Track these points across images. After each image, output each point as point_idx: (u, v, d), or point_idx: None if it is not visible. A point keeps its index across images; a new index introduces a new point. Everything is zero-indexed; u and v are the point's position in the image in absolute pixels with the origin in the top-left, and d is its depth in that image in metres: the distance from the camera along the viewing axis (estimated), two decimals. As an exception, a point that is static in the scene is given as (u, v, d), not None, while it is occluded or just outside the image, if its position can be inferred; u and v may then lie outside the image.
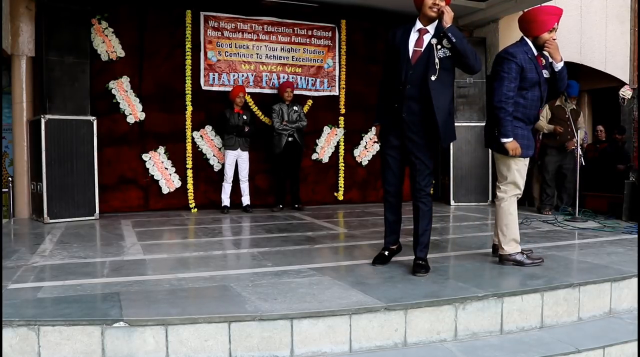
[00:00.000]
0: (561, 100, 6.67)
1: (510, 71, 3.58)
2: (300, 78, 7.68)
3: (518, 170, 3.73)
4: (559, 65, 3.68)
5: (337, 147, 7.91)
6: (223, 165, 7.02)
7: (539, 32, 3.64)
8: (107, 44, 6.61)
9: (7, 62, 6.37)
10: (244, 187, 7.02)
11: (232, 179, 6.94)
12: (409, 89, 3.45)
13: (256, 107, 7.42)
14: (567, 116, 6.53)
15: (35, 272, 3.57)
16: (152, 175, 6.91)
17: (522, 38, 3.74)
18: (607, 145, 8.29)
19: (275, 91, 7.43)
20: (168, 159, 6.98)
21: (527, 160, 3.79)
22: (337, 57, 7.87)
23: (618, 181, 6.63)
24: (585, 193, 6.94)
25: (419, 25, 3.50)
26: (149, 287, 3.17)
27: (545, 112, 6.68)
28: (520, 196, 3.84)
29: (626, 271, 3.61)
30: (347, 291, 3.09)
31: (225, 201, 6.95)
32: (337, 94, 7.89)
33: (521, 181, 3.76)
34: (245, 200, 7.03)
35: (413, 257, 3.62)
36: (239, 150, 6.87)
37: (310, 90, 7.73)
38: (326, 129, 7.84)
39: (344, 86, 7.88)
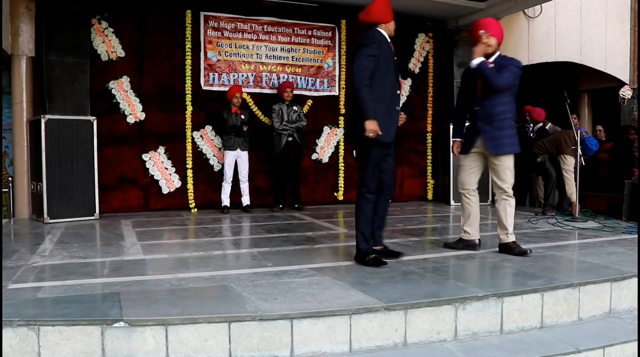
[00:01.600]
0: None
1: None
2: (300, 78, 7.68)
3: (460, 166, 4.39)
4: (472, 63, 4.11)
5: (337, 147, 7.91)
6: (223, 165, 7.02)
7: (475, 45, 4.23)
8: (107, 44, 6.61)
9: (7, 62, 6.37)
10: (244, 187, 7.02)
11: (231, 179, 6.94)
12: (398, 94, 3.84)
13: (256, 107, 7.42)
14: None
15: (35, 272, 3.57)
16: (152, 175, 6.91)
17: None
18: (618, 145, 8.16)
19: (275, 91, 7.43)
20: (168, 159, 6.98)
21: (465, 158, 4.29)
22: (337, 57, 7.87)
23: (619, 180, 6.62)
24: (585, 193, 6.94)
25: (386, 35, 3.84)
26: (149, 287, 3.17)
27: (570, 164, 6.66)
28: (463, 192, 4.32)
29: (626, 271, 3.61)
30: (347, 291, 3.09)
31: (225, 201, 6.95)
32: (337, 94, 7.90)
33: (460, 176, 4.35)
34: (245, 200, 7.03)
35: (412, 257, 3.63)
36: (238, 150, 6.87)
37: (310, 90, 7.73)
38: (326, 129, 7.84)
39: (344, 86, 7.87)
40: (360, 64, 3.58)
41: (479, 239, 4.37)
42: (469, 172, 4.31)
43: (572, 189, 6.54)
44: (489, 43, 4.11)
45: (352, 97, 3.75)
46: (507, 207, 4.18)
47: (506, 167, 4.14)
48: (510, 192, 4.18)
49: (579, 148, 6.33)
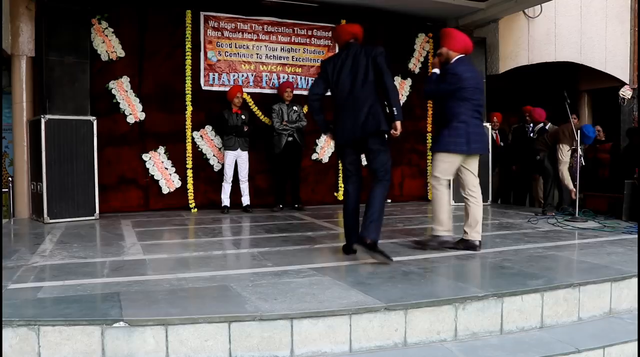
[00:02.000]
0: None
1: None
2: (300, 78, 7.68)
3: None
4: None
5: (337, 147, 7.90)
6: (223, 165, 7.02)
7: None
8: (107, 44, 6.61)
9: (7, 62, 6.37)
10: (244, 187, 7.02)
11: (231, 179, 6.93)
12: None
13: (256, 107, 7.41)
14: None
15: (35, 272, 3.57)
16: (152, 175, 6.91)
17: None
18: (628, 148, 8.10)
19: (275, 91, 7.43)
20: (168, 159, 6.98)
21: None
22: (337, 57, 7.86)
23: (619, 181, 6.62)
24: (585, 193, 6.93)
25: None
26: (149, 287, 3.17)
27: (566, 153, 6.66)
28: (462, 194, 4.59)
29: (626, 271, 3.61)
30: (347, 291, 3.09)
31: (225, 201, 6.94)
32: (337, 94, 7.88)
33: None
34: (245, 200, 7.02)
35: (412, 257, 3.63)
36: (238, 150, 6.87)
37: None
38: (326, 129, 7.82)
39: (344, 86, 7.86)
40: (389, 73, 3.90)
41: (479, 241, 4.37)
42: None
43: (566, 178, 6.51)
44: (440, 52, 4.42)
45: (371, 99, 3.90)
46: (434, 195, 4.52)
47: (437, 160, 4.45)
48: (435, 182, 4.48)
49: (579, 148, 6.32)
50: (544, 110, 7.72)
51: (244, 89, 7.21)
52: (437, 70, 4.43)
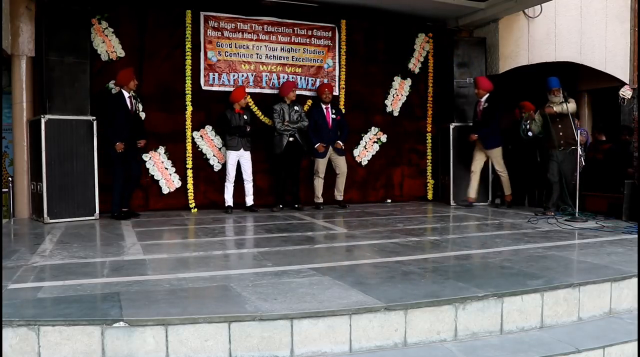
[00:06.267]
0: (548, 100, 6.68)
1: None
2: (300, 78, 7.67)
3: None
4: None
5: (337, 147, 7.90)
6: (223, 165, 7.01)
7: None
8: (107, 44, 6.61)
9: (7, 62, 6.36)
10: (248, 187, 7.00)
11: (234, 179, 6.93)
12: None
13: (256, 108, 7.41)
14: (554, 112, 6.52)
15: (35, 272, 3.57)
16: (152, 175, 6.91)
17: None
18: (612, 145, 8.16)
19: (275, 91, 7.43)
20: (168, 159, 6.98)
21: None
22: (337, 57, 7.87)
23: (618, 180, 6.61)
24: (585, 193, 6.92)
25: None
26: (149, 287, 3.17)
27: (537, 118, 6.72)
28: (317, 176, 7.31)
29: (626, 271, 3.61)
30: (347, 291, 3.09)
31: (229, 201, 6.93)
32: (337, 94, 7.89)
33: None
34: (249, 200, 7.01)
35: (412, 257, 3.62)
36: (241, 150, 6.86)
37: (310, 90, 7.73)
38: (326, 129, 7.82)
39: (344, 86, 7.87)
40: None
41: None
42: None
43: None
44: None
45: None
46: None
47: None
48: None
49: (579, 149, 6.31)
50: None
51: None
52: None
